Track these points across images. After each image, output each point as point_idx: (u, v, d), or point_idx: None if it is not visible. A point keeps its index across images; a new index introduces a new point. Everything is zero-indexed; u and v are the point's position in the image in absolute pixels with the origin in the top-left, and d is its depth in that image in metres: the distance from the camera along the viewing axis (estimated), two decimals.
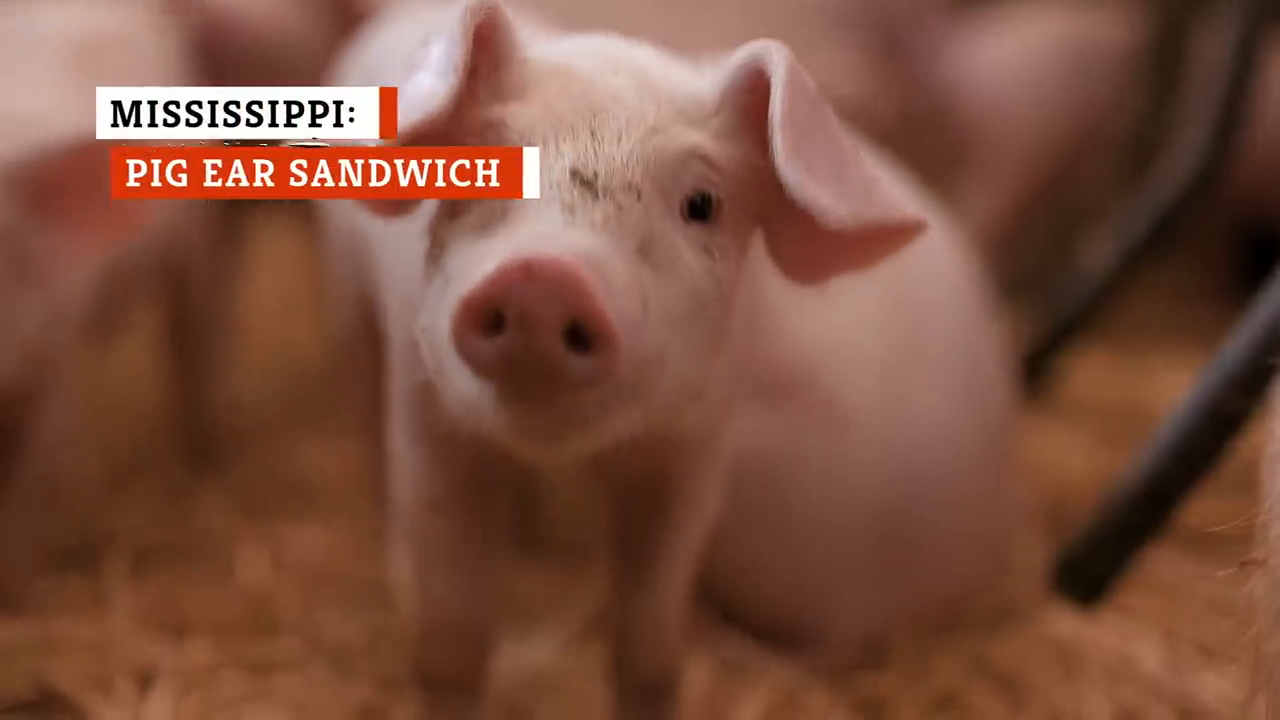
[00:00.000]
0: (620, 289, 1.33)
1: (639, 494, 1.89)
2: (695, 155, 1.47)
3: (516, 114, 1.46)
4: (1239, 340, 2.08)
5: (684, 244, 1.45)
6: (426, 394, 1.66)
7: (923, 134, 4.50)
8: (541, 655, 2.33)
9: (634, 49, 1.61)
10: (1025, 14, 4.78)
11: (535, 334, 1.28)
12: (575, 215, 1.37)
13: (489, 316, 1.29)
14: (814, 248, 1.55)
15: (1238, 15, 3.08)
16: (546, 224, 1.36)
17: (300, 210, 3.30)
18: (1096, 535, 2.24)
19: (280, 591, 2.51)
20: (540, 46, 1.56)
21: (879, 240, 1.54)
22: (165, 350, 3.10)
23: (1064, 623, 2.38)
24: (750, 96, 1.51)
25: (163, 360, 3.13)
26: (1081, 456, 3.15)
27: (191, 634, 2.34)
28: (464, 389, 1.39)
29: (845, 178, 1.47)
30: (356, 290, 2.28)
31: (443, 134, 1.46)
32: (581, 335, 1.29)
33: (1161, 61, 4.06)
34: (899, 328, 2.39)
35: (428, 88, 1.45)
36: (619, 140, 1.44)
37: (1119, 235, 3.35)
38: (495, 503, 1.91)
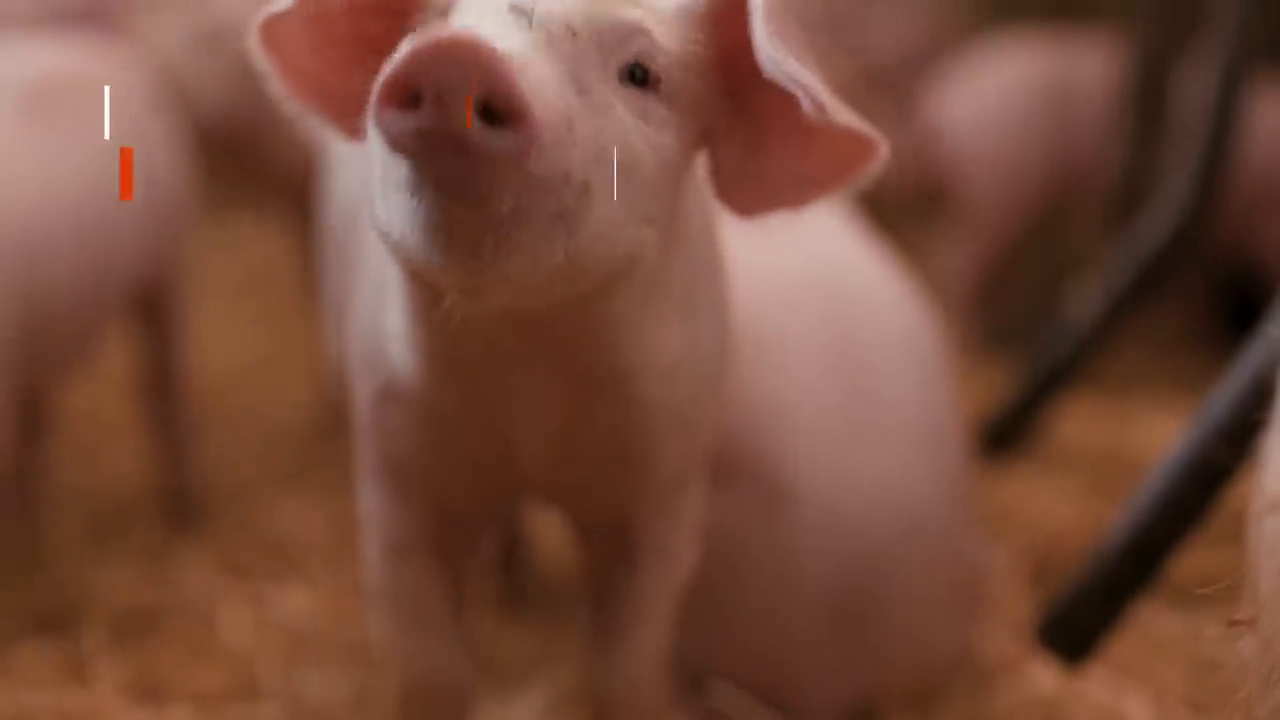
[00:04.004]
0: (540, 81, 1.32)
1: (611, 545, 1.89)
2: (639, 30, 1.47)
3: None
4: (1226, 392, 2.07)
5: (619, 101, 1.44)
6: (385, 404, 1.69)
7: (900, 175, 4.51)
8: (525, 718, 2.30)
9: None
10: (1004, 51, 4.78)
11: (449, 107, 1.27)
12: (507, 30, 1.37)
13: (406, 92, 1.28)
14: (759, 172, 1.57)
15: (1220, 54, 3.08)
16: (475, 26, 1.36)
17: (269, 269, 3.31)
18: (1084, 590, 2.22)
19: (262, 654, 2.49)
20: None
21: (830, 165, 1.53)
22: (142, 408, 3.09)
23: (1051, 679, 2.36)
24: (716, 13, 1.54)
25: (140, 418, 3.11)
26: (1068, 506, 3.13)
27: (172, 701, 2.32)
28: (392, 212, 1.36)
29: (821, 81, 1.47)
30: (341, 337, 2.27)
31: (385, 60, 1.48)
32: (496, 113, 1.28)
33: (1144, 102, 4.05)
34: (841, 390, 2.34)
35: None
36: None
37: (1105, 283, 3.34)
38: (466, 556, 1.91)
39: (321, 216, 2.44)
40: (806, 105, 1.44)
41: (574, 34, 1.41)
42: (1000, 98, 4.64)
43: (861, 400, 2.34)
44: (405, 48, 1.30)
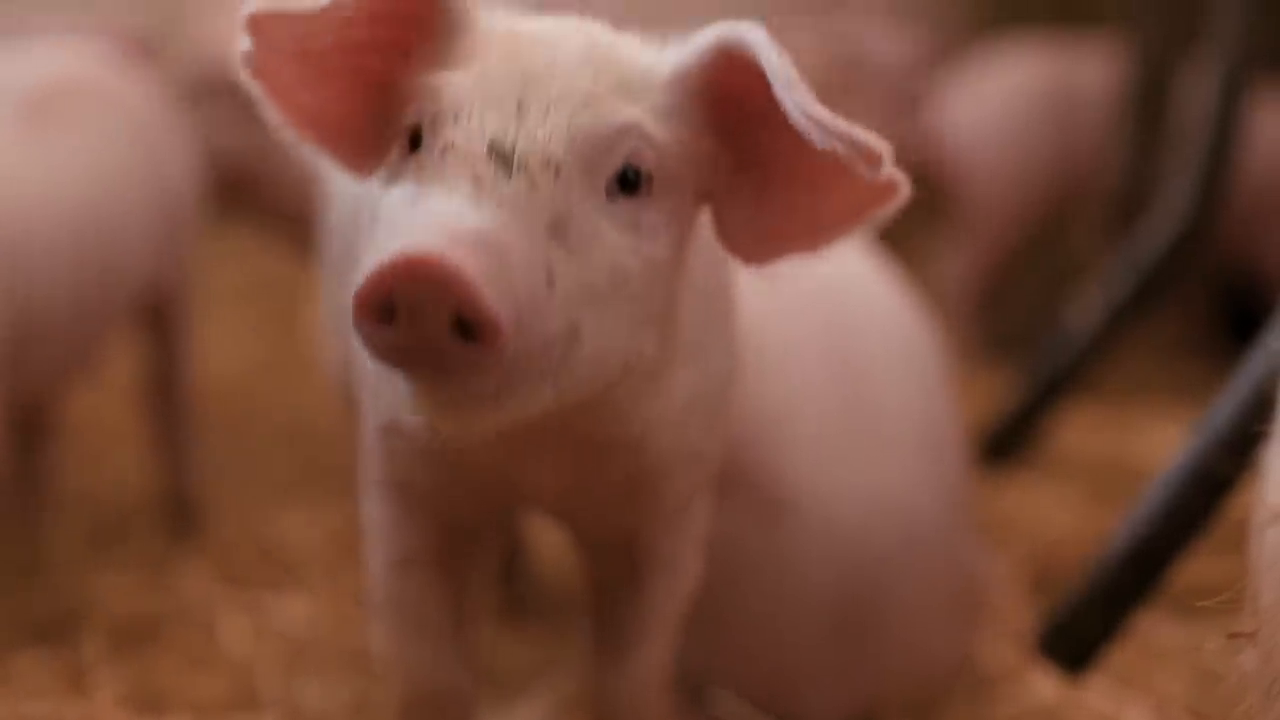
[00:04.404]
0: (515, 270, 1.34)
1: (616, 560, 1.88)
2: (629, 130, 1.46)
3: (450, 82, 1.47)
4: (1227, 402, 2.06)
5: (607, 222, 1.44)
6: (391, 437, 1.69)
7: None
8: None
9: (591, 24, 1.59)
10: (1006, 56, 4.78)
11: (421, 327, 1.32)
12: (483, 191, 1.38)
13: (381, 309, 1.33)
14: (768, 222, 1.56)
15: (1221, 61, 3.08)
16: (449, 203, 1.37)
17: (271, 276, 3.31)
18: (1084, 599, 2.22)
19: (261, 663, 2.48)
20: (497, 19, 1.56)
21: (845, 208, 1.52)
22: (146, 415, 3.08)
23: (1052, 688, 2.35)
24: (714, 74, 1.51)
25: (143, 425, 3.11)
26: (1069, 515, 3.13)
27: (172, 710, 2.31)
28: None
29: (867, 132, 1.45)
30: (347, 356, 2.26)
31: (381, 93, 1.52)
32: (468, 326, 1.31)
33: (1145, 108, 4.05)
34: (841, 398, 2.33)
35: None
36: (546, 113, 1.44)
37: (1106, 291, 3.34)
38: (468, 566, 1.90)
39: (321, 221, 2.43)
40: (865, 172, 1.42)
41: (557, 169, 1.41)
42: (1002, 103, 4.64)
43: (861, 408, 2.34)
44: (376, 261, 1.33)
